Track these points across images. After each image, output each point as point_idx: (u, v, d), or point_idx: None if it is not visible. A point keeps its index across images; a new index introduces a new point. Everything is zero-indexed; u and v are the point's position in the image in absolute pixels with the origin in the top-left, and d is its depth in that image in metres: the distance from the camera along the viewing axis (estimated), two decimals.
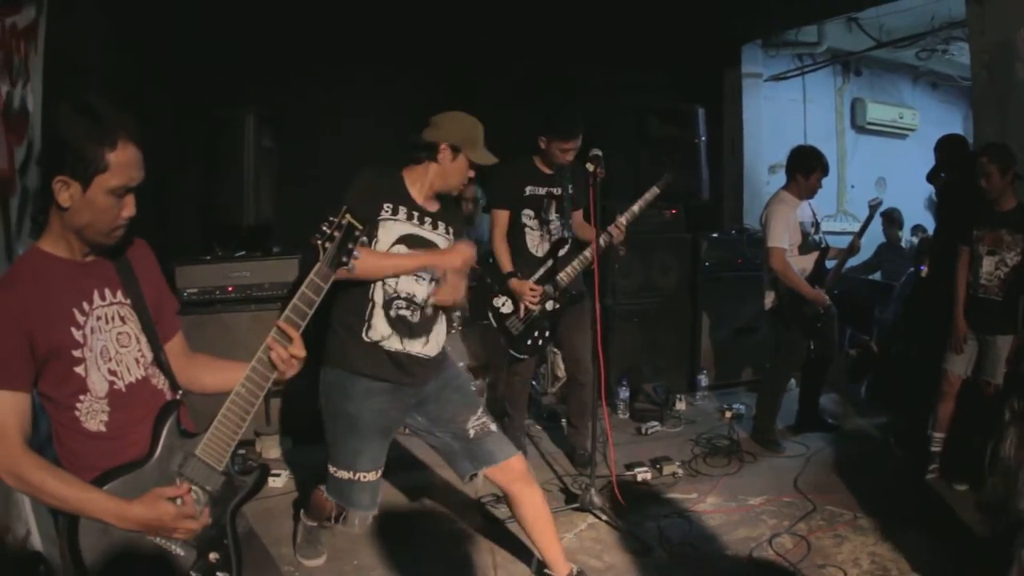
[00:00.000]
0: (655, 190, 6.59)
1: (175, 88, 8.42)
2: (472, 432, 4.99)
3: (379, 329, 4.75)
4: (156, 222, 2.70)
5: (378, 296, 4.73)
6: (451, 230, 4.99)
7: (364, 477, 4.87)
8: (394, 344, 4.77)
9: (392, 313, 4.75)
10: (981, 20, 7.68)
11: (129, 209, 2.88)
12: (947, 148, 7.68)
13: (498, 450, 5.03)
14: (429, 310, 4.90)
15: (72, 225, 2.88)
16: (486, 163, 4.93)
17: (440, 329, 5.03)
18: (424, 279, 4.85)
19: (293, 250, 7.95)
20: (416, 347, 4.83)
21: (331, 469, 4.93)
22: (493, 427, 5.10)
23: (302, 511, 5.73)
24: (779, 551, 5.83)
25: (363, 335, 4.75)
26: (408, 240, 4.77)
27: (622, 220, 6.56)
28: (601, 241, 6.36)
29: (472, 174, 4.96)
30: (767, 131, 12.54)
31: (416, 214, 4.82)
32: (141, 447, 3.05)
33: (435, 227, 4.88)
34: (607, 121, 9.12)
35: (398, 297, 4.75)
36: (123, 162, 2.76)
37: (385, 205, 4.74)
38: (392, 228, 4.74)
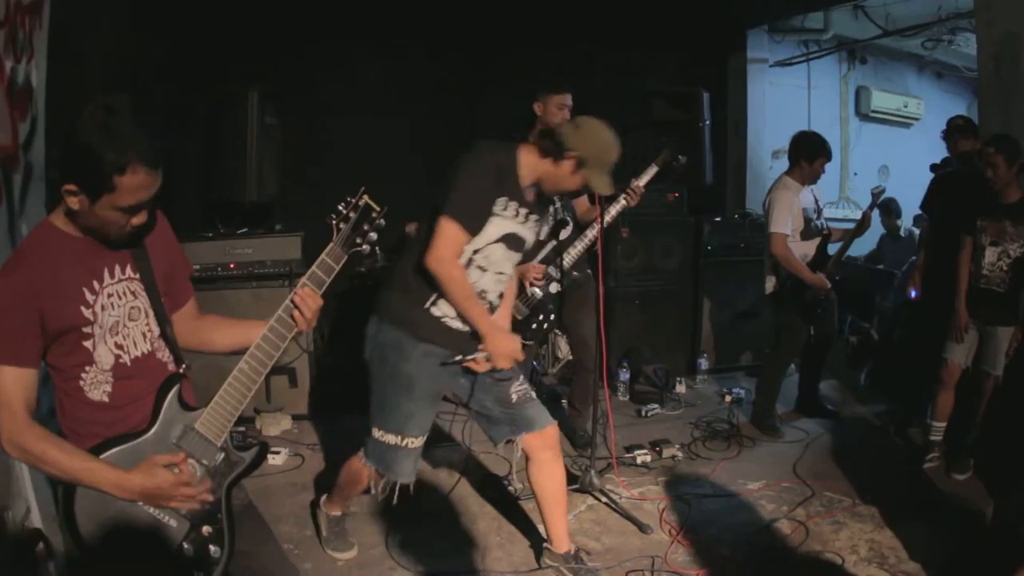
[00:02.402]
0: (654, 168, 6.56)
1: (178, 64, 8.38)
2: (515, 397, 5.00)
3: (444, 308, 4.73)
4: (158, 198, 2.70)
5: None
6: (537, 222, 4.95)
7: (412, 443, 4.85)
8: (455, 324, 4.77)
9: None
10: (989, 11, 7.66)
11: (140, 219, 2.91)
12: (965, 126, 7.71)
13: (539, 416, 5.06)
14: (495, 305, 4.95)
15: (81, 226, 2.92)
16: (603, 192, 4.87)
17: (499, 319, 5.06)
18: (503, 279, 4.90)
19: (295, 227, 7.97)
20: (472, 329, 4.80)
21: (376, 433, 4.87)
22: (533, 394, 5.14)
23: (323, 501, 5.66)
24: (778, 536, 5.85)
25: (427, 307, 4.73)
26: (507, 239, 4.74)
27: (639, 183, 6.52)
28: (613, 210, 6.39)
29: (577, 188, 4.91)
30: (771, 116, 12.52)
31: (522, 210, 4.74)
32: (142, 418, 3.08)
33: (527, 220, 4.81)
34: (612, 103, 9.12)
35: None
36: (131, 187, 2.76)
37: (499, 200, 4.64)
38: (499, 225, 4.68)
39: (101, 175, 2.70)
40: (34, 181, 5.14)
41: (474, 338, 4.76)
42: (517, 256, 4.88)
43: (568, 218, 6.69)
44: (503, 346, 4.71)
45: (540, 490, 5.20)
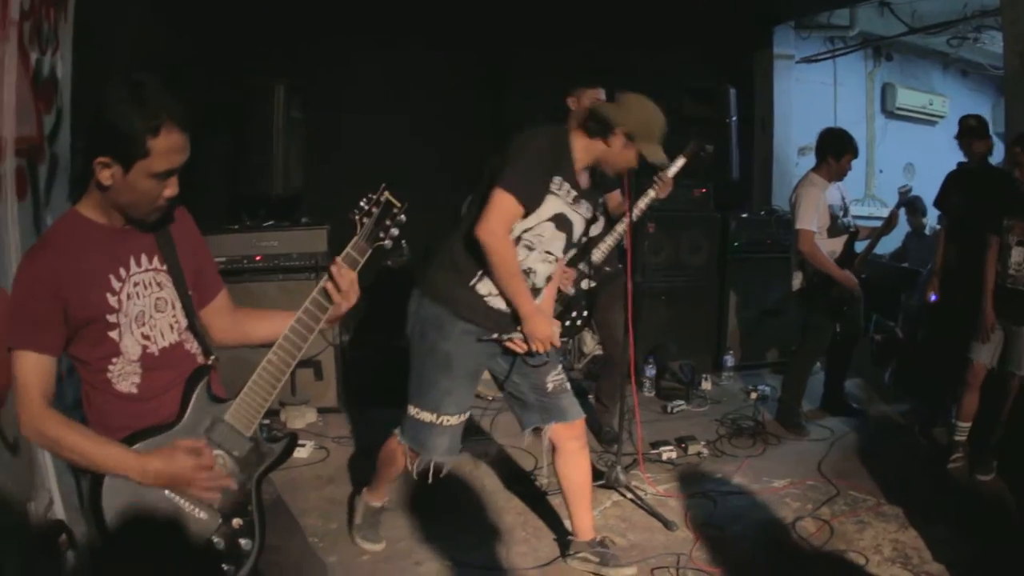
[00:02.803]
0: (681, 159, 6.54)
1: (205, 57, 8.41)
2: (550, 386, 5.05)
3: (488, 286, 4.76)
4: (184, 191, 2.72)
5: None
6: (590, 210, 4.97)
7: (447, 421, 4.88)
8: (497, 303, 4.79)
9: None
10: (1015, 9, 7.64)
11: (172, 189, 2.90)
12: (977, 127, 7.67)
13: (571, 408, 5.12)
14: (541, 287, 4.96)
15: (112, 202, 2.90)
16: (657, 161, 4.91)
17: (543, 303, 5.08)
18: (551, 260, 4.90)
19: (321, 220, 7.99)
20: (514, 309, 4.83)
21: (412, 411, 4.92)
22: (568, 385, 5.18)
23: (365, 489, 5.67)
24: (802, 534, 5.84)
25: (472, 284, 4.76)
26: (558, 219, 4.77)
27: (667, 174, 6.47)
28: (642, 203, 6.38)
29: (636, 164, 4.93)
30: (797, 113, 12.50)
31: (572, 192, 4.77)
32: (171, 410, 3.07)
33: (578, 204, 4.84)
34: None
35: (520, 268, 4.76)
36: (165, 149, 2.76)
37: (555, 178, 4.68)
38: (552, 204, 4.71)
39: (134, 140, 2.71)
40: (59, 173, 5.15)
41: (515, 320, 4.80)
42: (565, 238, 4.88)
43: (598, 214, 6.68)
44: (541, 329, 4.74)
45: (566, 481, 5.25)
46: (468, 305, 4.77)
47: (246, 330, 3.48)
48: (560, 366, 5.20)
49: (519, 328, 4.76)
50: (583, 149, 4.78)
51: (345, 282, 3.12)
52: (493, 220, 4.54)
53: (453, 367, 4.81)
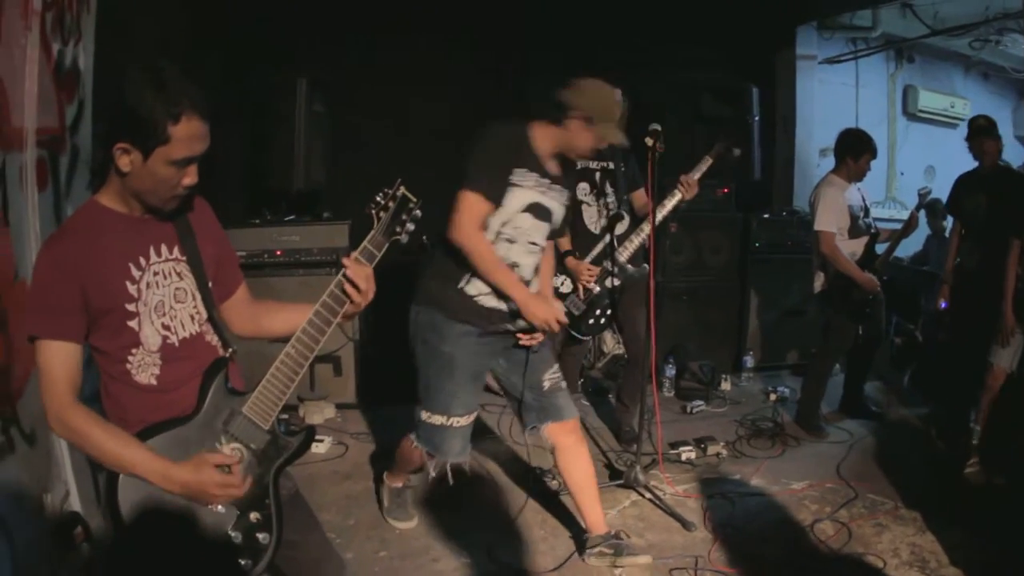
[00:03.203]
0: (708, 160, 6.54)
1: (227, 50, 8.43)
2: (546, 385, 5.15)
3: (478, 286, 4.84)
4: (204, 184, 2.75)
5: None
6: (566, 194, 5.08)
7: (457, 422, 4.99)
8: (489, 301, 4.88)
9: None
10: None
11: (191, 178, 2.91)
12: (987, 126, 7.63)
13: (566, 407, 5.22)
14: (530, 279, 5.03)
15: (131, 189, 2.91)
16: (616, 142, 5.00)
17: (540, 290, 5.17)
18: (535, 251, 4.99)
19: (343, 215, 7.99)
20: (507, 305, 4.90)
21: (424, 415, 5.03)
22: (564, 384, 5.27)
23: (386, 474, 5.84)
24: (820, 537, 5.83)
25: (461, 286, 4.85)
26: (534, 209, 4.87)
27: (693, 176, 6.48)
28: (669, 204, 6.41)
29: (602, 146, 5.05)
30: (819, 114, 12.44)
31: (543, 180, 4.87)
32: (190, 402, 3.07)
33: (549, 190, 4.93)
34: (660, 98, 9.10)
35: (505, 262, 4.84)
36: (186, 136, 2.77)
37: (516, 171, 4.77)
38: (521, 196, 4.81)
39: (155, 126, 2.72)
40: (80, 164, 5.15)
41: (510, 317, 4.91)
42: (546, 226, 5.00)
43: (624, 212, 6.68)
44: (542, 312, 4.83)
45: (569, 478, 5.33)
46: (461, 307, 4.88)
47: (264, 323, 3.50)
48: (556, 365, 5.30)
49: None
50: (544, 137, 4.90)
51: (362, 276, 3.13)
52: (462, 220, 4.68)
53: (455, 369, 4.91)
